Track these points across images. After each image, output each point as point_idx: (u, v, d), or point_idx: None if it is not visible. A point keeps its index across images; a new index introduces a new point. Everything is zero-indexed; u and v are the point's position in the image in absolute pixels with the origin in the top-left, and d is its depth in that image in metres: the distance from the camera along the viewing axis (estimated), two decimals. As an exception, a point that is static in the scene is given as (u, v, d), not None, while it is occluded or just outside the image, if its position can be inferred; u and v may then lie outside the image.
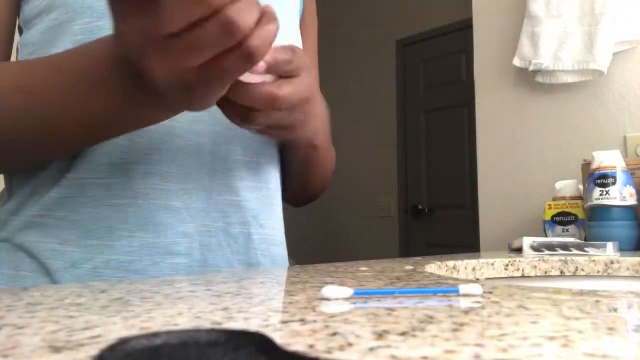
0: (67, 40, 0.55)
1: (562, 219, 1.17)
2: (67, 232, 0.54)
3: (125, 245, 0.54)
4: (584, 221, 1.14)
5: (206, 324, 0.25)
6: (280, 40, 0.65)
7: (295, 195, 0.75)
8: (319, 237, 3.95)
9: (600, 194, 1.03)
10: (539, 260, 0.80)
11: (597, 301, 0.32)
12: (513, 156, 1.50)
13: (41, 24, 0.57)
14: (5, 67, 0.50)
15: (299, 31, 0.72)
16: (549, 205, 1.20)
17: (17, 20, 0.61)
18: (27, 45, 0.58)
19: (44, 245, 0.54)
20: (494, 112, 1.55)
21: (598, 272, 0.79)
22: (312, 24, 0.78)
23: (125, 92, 0.44)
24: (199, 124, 0.58)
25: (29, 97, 0.46)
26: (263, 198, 0.64)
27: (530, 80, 1.46)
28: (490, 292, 0.35)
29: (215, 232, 0.59)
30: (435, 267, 0.65)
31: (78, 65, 0.46)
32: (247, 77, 0.43)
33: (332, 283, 0.42)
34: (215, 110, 0.51)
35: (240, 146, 0.61)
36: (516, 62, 1.44)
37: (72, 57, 0.47)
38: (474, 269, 0.76)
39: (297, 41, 0.68)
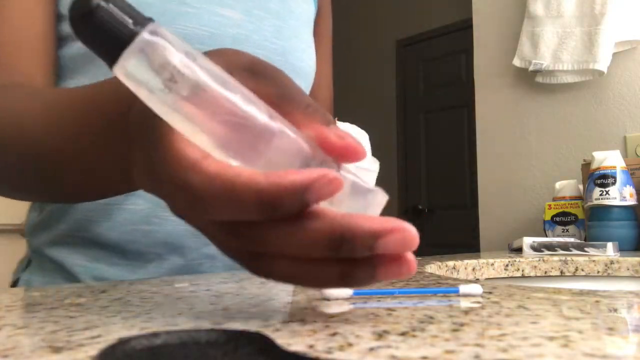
0: (93, 69, 0.54)
1: (562, 219, 1.17)
2: (96, 251, 0.56)
3: (156, 266, 0.57)
4: (584, 221, 1.14)
5: (206, 324, 0.25)
6: (291, 42, 0.65)
7: None
8: (319, 237, 3.95)
9: (600, 194, 1.03)
10: (539, 260, 0.80)
11: (597, 301, 0.32)
12: (513, 156, 1.50)
13: (67, 48, 0.56)
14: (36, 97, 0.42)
15: (312, 37, 0.72)
16: (549, 205, 1.20)
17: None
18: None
19: (73, 261, 0.57)
20: (494, 112, 1.55)
21: (598, 272, 0.79)
22: (327, 32, 0.79)
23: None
24: None
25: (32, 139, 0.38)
26: None
27: (530, 80, 1.46)
28: (490, 292, 0.35)
29: None
30: (435, 267, 0.65)
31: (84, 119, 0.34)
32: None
33: (332, 283, 0.41)
34: None
35: None
36: (516, 62, 1.44)
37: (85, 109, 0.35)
38: (474, 269, 0.76)
39: (309, 46, 0.69)
